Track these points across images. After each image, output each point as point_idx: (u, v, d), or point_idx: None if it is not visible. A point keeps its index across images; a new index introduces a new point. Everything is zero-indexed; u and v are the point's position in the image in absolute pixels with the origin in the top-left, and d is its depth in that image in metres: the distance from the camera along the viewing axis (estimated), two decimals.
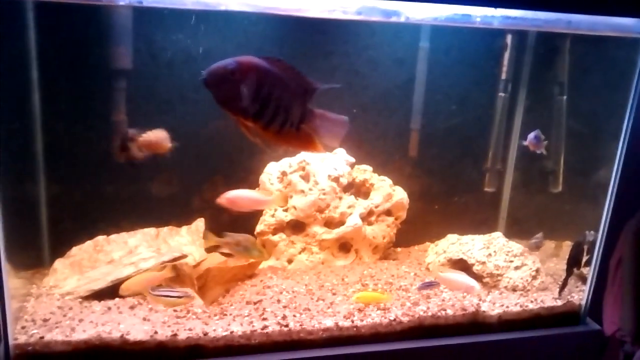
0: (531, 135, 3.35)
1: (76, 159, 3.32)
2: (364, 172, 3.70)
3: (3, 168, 2.52)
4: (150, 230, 3.39)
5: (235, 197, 2.84)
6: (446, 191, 4.00)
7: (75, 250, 3.22)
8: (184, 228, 3.46)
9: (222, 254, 3.27)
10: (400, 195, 3.70)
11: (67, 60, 3.16)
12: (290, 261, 3.50)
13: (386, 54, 3.66)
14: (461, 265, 3.39)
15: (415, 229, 3.90)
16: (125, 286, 2.86)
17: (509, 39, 3.73)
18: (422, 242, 4.02)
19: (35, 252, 3.30)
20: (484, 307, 3.02)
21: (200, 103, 3.39)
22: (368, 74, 3.66)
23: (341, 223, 3.53)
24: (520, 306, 3.08)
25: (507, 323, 3.05)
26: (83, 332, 2.58)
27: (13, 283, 2.90)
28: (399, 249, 3.91)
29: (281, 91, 1.82)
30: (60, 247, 3.28)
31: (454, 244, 3.53)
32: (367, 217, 3.61)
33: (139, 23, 3.16)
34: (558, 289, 3.25)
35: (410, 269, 3.51)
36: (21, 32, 3.01)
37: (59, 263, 3.16)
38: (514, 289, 3.24)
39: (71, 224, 3.38)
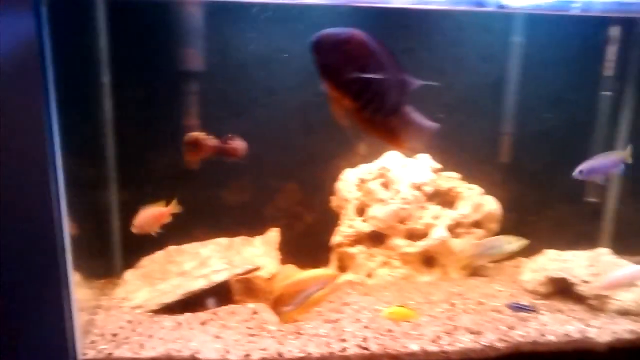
0: (576, 172, 2.92)
1: (148, 165, 3.25)
2: (450, 179, 3.47)
3: (74, 174, 2.44)
4: (223, 241, 3.26)
5: (142, 222, 2.80)
6: (542, 201, 3.67)
7: (145, 260, 3.14)
8: (258, 238, 3.32)
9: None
10: (491, 205, 3.44)
11: (139, 63, 3.10)
12: (369, 275, 3.30)
13: (474, 50, 3.43)
14: (561, 284, 3.06)
15: None
16: None
17: (614, 30, 3.36)
18: (514, 257, 3.61)
19: (107, 260, 3.25)
20: (591, 333, 2.70)
21: (274, 107, 3.28)
22: (454, 73, 3.44)
23: (425, 235, 3.32)
24: (634, 333, 2.73)
25: (618, 352, 2.69)
26: (152, 349, 2.44)
27: (84, 294, 2.84)
28: (490, 264, 3.60)
29: (383, 76, 1.72)
30: (131, 255, 3.22)
31: (553, 261, 3.21)
32: (454, 229, 3.38)
33: (212, 23, 3.06)
34: None
35: (503, 288, 3.22)
36: (92, 34, 2.97)
37: (129, 274, 3.08)
38: (626, 313, 2.87)
39: None
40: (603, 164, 2.94)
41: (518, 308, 2.82)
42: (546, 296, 3.10)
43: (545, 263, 3.23)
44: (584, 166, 2.89)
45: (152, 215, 2.80)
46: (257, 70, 3.21)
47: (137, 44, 3.06)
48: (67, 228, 2.23)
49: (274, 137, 3.31)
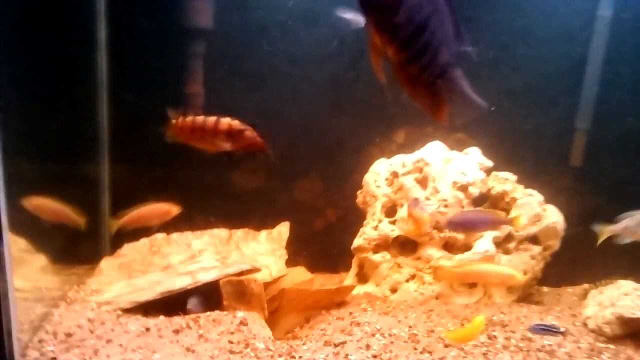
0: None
1: (145, 137, 2.89)
2: (505, 181, 3.13)
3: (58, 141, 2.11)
4: (221, 232, 3.00)
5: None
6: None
7: (127, 248, 2.87)
8: (263, 233, 3.05)
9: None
10: (553, 217, 3.08)
11: (139, 17, 2.83)
12: (394, 290, 2.99)
13: (549, 25, 3.10)
14: (635, 327, 2.53)
15: (570, 264, 3.27)
16: None
17: None
18: (578, 282, 3.30)
19: (95, 243, 2.98)
20: None
21: (297, 79, 3.00)
22: (521, 51, 3.12)
23: (467, 247, 2.99)
24: None
25: None
26: (106, 358, 2.10)
27: (49, 282, 2.56)
28: (545, 289, 3.27)
29: (438, 25, 1.42)
30: (123, 238, 2.90)
31: (627, 295, 2.68)
32: (503, 243, 3.06)
33: None
34: None
35: (559, 321, 2.72)
36: None
37: (105, 263, 2.82)
38: None
39: None
40: (473, 220, 2.69)
41: (543, 330, 2.47)
42: (613, 339, 2.59)
43: (617, 297, 2.75)
44: (454, 217, 2.72)
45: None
46: (277, 34, 2.94)
47: None
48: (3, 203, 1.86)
49: (294, 116, 3.06)
